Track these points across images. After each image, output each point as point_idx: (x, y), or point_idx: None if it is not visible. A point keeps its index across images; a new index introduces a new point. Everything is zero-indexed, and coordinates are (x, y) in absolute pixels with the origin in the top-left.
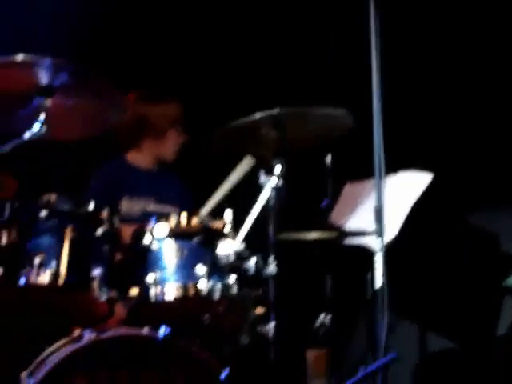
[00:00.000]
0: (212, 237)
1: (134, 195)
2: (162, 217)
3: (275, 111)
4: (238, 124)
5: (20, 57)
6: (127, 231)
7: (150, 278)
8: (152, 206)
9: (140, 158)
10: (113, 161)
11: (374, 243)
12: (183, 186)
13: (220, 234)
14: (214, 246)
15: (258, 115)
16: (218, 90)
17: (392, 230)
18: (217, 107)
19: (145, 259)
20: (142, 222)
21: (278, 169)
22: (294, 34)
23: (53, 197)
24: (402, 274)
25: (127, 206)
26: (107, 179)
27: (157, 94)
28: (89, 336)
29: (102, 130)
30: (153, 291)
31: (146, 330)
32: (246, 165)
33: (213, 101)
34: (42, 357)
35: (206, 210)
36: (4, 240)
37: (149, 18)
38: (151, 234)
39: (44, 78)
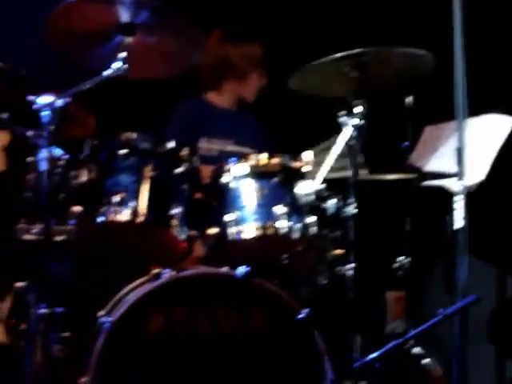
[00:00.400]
0: (291, 177)
1: (213, 135)
2: (242, 156)
3: (357, 50)
4: (320, 63)
5: None
6: (206, 171)
7: (229, 217)
8: (231, 147)
9: (220, 98)
10: (192, 99)
11: (455, 185)
12: (260, 127)
13: (300, 174)
14: (293, 186)
15: (339, 54)
16: (300, 31)
17: (478, 174)
18: (298, 47)
19: (224, 198)
20: (221, 162)
21: (358, 109)
22: None
23: (133, 135)
24: (482, 217)
25: (206, 145)
26: (186, 117)
27: (239, 34)
28: (167, 274)
29: (183, 69)
30: (232, 230)
31: (224, 269)
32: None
33: (294, 41)
34: (119, 295)
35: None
36: (84, 178)
37: None
38: (231, 173)
39: (125, 15)
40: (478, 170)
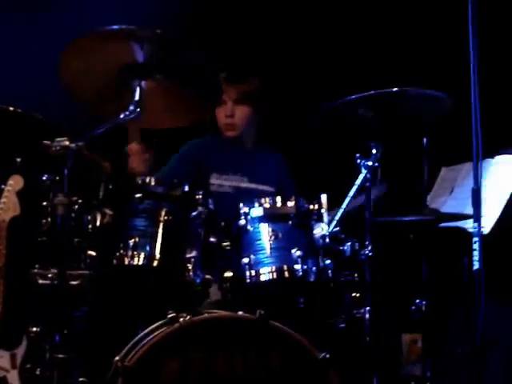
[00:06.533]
0: (307, 219)
1: (224, 172)
2: (257, 195)
3: (372, 92)
4: (335, 105)
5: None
6: None
7: (245, 260)
8: (245, 184)
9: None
10: (198, 138)
11: (471, 227)
12: (281, 161)
13: (315, 217)
14: (309, 229)
15: (354, 96)
16: (316, 72)
17: (491, 216)
18: (314, 89)
19: (240, 242)
20: (234, 200)
21: (374, 151)
22: (392, 16)
23: (147, 179)
24: (502, 257)
25: (216, 181)
26: (187, 154)
27: (241, 75)
28: (183, 319)
29: (200, 115)
30: (247, 274)
31: (240, 313)
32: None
33: (310, 83)
34: (135, 340)
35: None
36: (98, 222)
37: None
38: (246, 216)
39: (140, 55)
40: (490, 211)
